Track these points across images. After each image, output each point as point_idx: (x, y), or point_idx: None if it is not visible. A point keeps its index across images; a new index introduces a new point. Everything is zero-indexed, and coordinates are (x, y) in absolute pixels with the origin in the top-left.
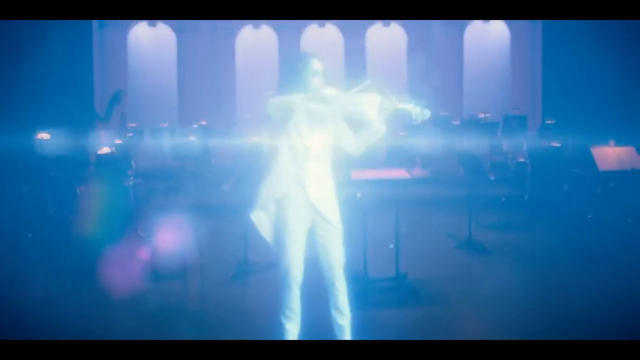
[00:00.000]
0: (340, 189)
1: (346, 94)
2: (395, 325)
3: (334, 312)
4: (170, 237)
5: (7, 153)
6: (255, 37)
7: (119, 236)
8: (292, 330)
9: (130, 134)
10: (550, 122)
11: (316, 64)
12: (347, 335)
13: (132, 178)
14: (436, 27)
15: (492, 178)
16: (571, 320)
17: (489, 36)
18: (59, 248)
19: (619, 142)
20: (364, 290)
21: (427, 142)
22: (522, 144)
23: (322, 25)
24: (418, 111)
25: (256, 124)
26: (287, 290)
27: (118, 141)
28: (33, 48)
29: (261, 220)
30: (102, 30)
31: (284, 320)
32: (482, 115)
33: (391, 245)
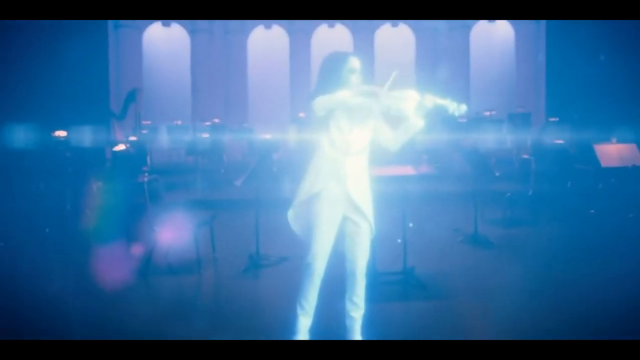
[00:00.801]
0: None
1: (384, 90)
2: (403, 318)
3: (348, 304)
4: (183, 231)
5: (26, 150)
6: (267, 38)
7: (133, 231)
8: (305, 322)
9: (145, 131)
10: (553, 119)
11: (354, 62)
12: (357, 327)
13: (146, 174)
14: (443, 28)
15: (497, 174)
16: (575, 314)
17: (494, 36)
18: (76, 242)
19: (621, 139)
20: (373, 283)
21: (434, 139)
22: (526, 141)
23: (332, 26)
24: (455, 106)
25: (267, 121)
26: (308, 280)
27: (133, 138)
28: (51, 49)
29: (296, 217)
30: (117, 31)
31: (299, 309)
32: (487, 113)
33: (399, 240)
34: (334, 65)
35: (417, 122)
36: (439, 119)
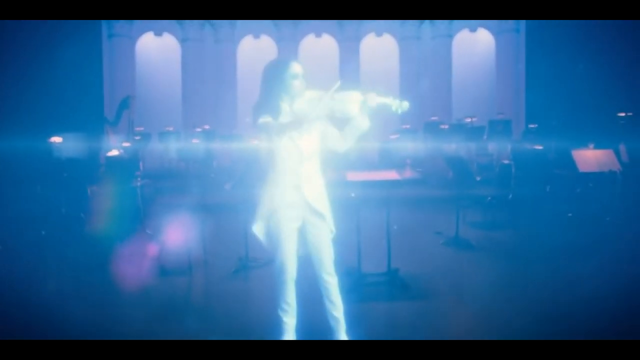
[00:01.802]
0: (336, 189)
1: (327, 94)
2: (387, 317)
3: (327, 304)
4: (176, 234)
5: (22, 155)
6: (256, 47)
7: (128, 234)
8: (290, 322)
9: (137, 138)
10: (533, 126)
11: (296, 67)
12: (341, 327)
13: (139, 179)
14: (426, 37)
15: (478, 179)
16: (553, 312)
17: (475, 45)
18: (71, 245)
19: (598, 146)
20: (358, 284)
21: (417, 145)
22: (506, 147)
23: (319, 36)
24: (397, 103)
25: (254, 129)
26: (283, 285)
27: (126, 144)
28: (46, 57)
29: (262, 230)
30: (111, 40)
31: (281, 313)
32: (469, 120)
33: (383, 242)
34: (276, 72)
35: (363, 122)
36: (421, 125)
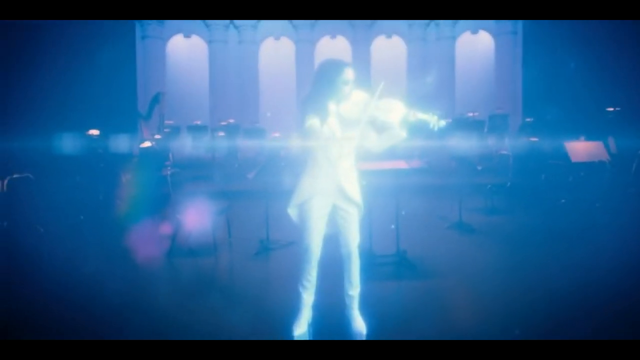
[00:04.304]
0: None
1: (373, 100)
2: (395, 294)
3: (346, 284)
4: (202, 218)
5: (64, 147)
6: (276, 47)
7: (158, 218)
8: (308, 299)
9: (167, 130)
10: (529, 120)
11: (349, 74)
12: (355, 304)
13: (169, 168)
14: (431, 39)
15: (479, 168)
16: (547, 291)
17: (476, 46)
18: (107, 228)
19: (589, 138)
20: (370, 265)
21: (424, 138)
22: (505, 139)
23: (334, 37)
24: (435, 121)
25: (276, 121)
26: (307, 264)
27: (158, 136)
28: (86, 58)
29: (294, 212)
30: (144, 42)
31: (301, 289)
32: (470, 115)
33: (393, 226)
34: (330, 75)
35: (400, 133)
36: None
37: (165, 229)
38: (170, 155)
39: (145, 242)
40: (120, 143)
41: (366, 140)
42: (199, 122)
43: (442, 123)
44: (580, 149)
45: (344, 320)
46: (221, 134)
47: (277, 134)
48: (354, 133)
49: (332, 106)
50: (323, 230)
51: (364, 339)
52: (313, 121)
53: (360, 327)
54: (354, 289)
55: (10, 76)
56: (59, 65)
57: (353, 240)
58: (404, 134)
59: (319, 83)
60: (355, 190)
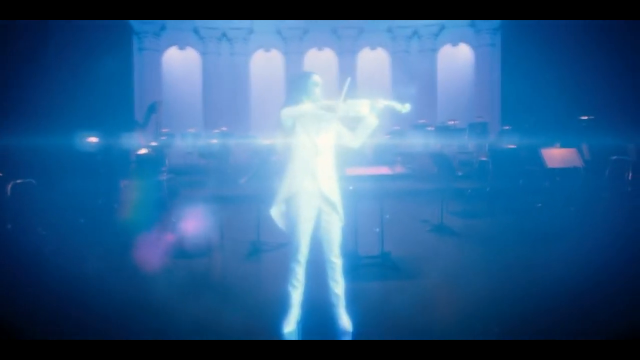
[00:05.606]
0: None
1: (342, 102)
2: (380, 294)
3: (331, 283)
4: (197, 221)
5: (65, 153)
6: (267, 59)
7: (154, 221)
8: (296, 298)
9: (163, 138)
10: (507, 128)
11: (316, 78)
12: (341, 302)
13: (165, 173)
14: (414, 51)
15: (459, 174)
16: (522, 289)
17: (457, 58)
18: (106, 231)
19: (563, 145)
20: (355, 266)
21: (407, 144)
22: (484, 146)
23: (321, 49)
24: (400, 105)
25: (268, 129)
26: (296, 264)
27: (154, 143)
28: (87, 69)
29: (278, 214)
30: (141, 54)
31: (290, 289)
32: (451, 123)
33: (377, 229)
34: (302, 80)
35: (373, 121)
36: (410, 127)
37: (161, 231)
38: (166, 162)
39: (142, 244)
40: (119, 149)
41: (342, 136)
42: (193, 130)
43: (407, 106)
44: (556, 155)
45: (331, 318)
46: (214, 141)
47: (267, 141)
48: (329, 134)
49: (306, 106)
50: (310, 231)
51: (349, 336)
52: (290, 114)
53: (346, 324)
54: (339, 287)
55: (12, 84)
56: (61, 74)
57: (336, 242)
58: (376, 120)
59: (292, 88)
60: (333, 192)
